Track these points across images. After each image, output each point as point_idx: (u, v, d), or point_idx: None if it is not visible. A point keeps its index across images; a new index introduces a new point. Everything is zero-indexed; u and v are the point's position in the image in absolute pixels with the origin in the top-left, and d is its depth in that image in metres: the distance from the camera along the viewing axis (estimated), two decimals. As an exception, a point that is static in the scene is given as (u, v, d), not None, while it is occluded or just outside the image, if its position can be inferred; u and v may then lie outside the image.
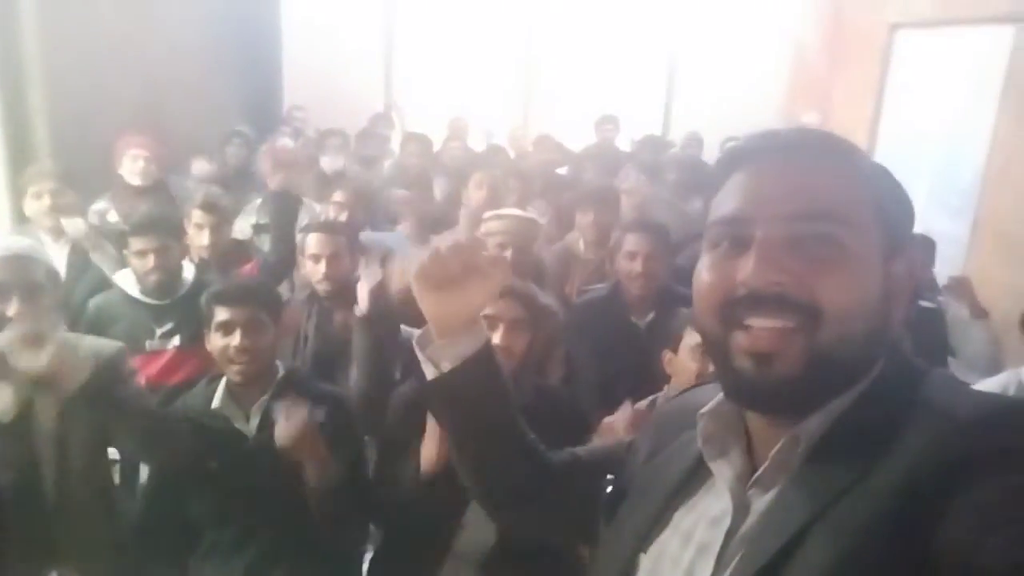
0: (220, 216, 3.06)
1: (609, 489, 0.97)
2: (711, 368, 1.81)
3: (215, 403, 1.98)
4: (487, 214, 2.81)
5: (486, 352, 0.97)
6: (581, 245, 3.21)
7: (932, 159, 5.28)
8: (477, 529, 2.01)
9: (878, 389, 0.74)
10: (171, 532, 1.99)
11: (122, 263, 2.79)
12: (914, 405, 0.71)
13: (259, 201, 4.01)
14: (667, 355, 2.01)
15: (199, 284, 2.59)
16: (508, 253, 2.65)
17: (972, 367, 2.95)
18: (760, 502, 0.76)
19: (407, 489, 1.94)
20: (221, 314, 1.94)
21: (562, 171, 4.93)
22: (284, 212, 3.04)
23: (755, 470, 0.79)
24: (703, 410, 0.84)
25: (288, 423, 1.85)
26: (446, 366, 0.95)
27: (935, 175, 5.10)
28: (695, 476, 0.85)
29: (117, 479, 2.22)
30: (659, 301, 2.68)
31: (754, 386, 0.74)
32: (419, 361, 0.99)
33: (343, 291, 2.68)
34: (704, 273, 0.78)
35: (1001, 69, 4.85)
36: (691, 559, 0.80)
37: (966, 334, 3.06)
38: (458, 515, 1.96)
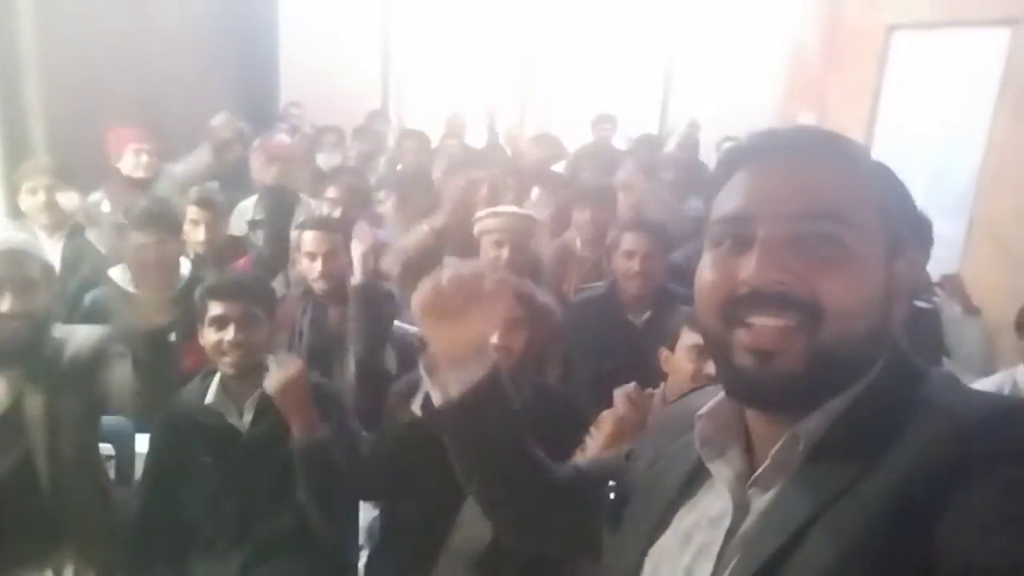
0: (216, 212, 3.05)
1: (612, 496, 0.97)
2: (706, 368, 1.83)
3: (209, 398, 1.98)
4: (483, 211, 2.80)
5: (494, 377, 0.96)
6: (578, 243, 3.21)
7: (928, 160, 5.28)
8: (472, 527, 2.01)
9: (878, 388, 0.74)
10: (167, 528, 1.99)
11: (117, 250, 2.80)
12: (914, 404, 0.71)
13: (255, 197, 4.00)
14: (664, 353, 2.01)
15: (195, 280, 2.58)
16: (505, 251, 2.65)
17: (966, 367, 2.96)
18: (760, 501, 0.76)
19: (395, 440, 1.95)
20: (215, 308, 1.93)
21: (558, 167, 4.93)
22: (279, 207, 3.03)
23: (754, 470, 0.79)
24: (701, 411, 0.85)
25: (280, 371, 1.84)
26: (454, 392, 0.95)
27: (931, 176, 5.10)
28: (696, 478, 0.85)
29: (112, 475, 2.22)
30: (656, 300, 2.68)
31: (755, 383, 0.74)
32: (414, 355, 0.99)
33: (339, 288, 2.68)
34: (706, 271, 0.78)
35: (997, 71, 4.86)
36: (691, 559, 0.80)
37: (960, 334, 3.07)
38: (454, 510, 1.96)
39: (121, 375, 1.87)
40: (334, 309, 2.68)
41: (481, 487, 1.05)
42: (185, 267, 2.73)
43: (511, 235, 2.67)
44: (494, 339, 1.98)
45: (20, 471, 1.81)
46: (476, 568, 2.01)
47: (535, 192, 3.68)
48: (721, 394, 0.86)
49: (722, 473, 0.81)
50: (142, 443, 2.13)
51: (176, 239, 2.70)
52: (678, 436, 0.89)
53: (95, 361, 1.90)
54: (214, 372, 2.01)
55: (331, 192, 3.43)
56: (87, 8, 4.02)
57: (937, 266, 3.16)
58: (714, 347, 0.79)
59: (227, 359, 1.93)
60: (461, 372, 0.95)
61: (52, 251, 2.84)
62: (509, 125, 5.71)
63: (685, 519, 0.84)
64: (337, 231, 2.72)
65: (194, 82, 4.91)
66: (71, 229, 3.07)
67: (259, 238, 3.35)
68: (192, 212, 2.97)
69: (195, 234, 2.97)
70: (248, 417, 1.97)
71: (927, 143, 5.34)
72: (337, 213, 3.32)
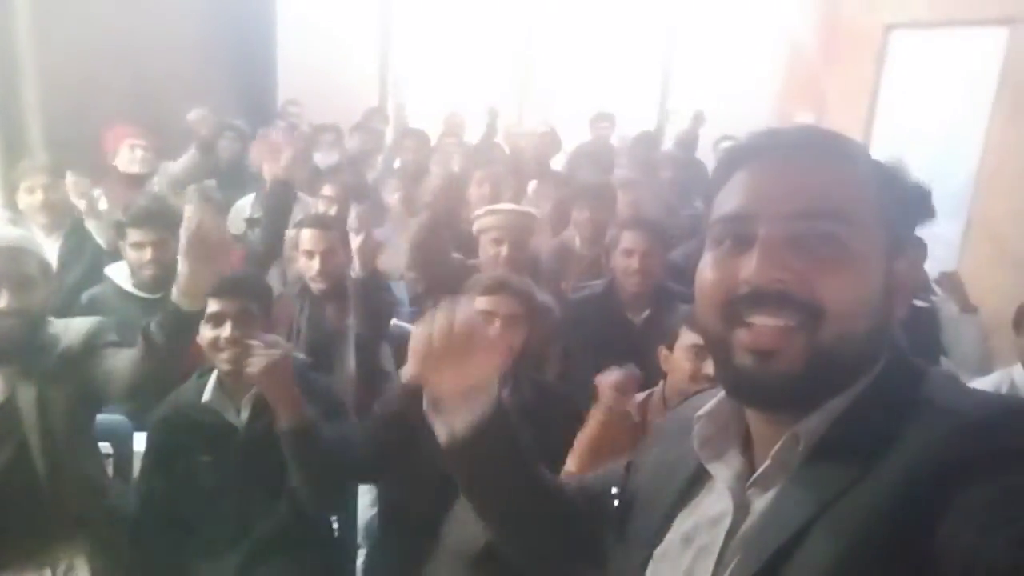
0: (213, 210, 3.03)
1: (616, 505, 0.97)
2: (705, 368, 1.84)
3: (206, 396, 1.97)
4: (482, 209, 2.80)
5: (499, 412, 0.94)
6: (577, 241, 3.21)
7: (925, 160, 5.28)
8: (469, 525, 2.01)
9: (878, 388, 0.74)
10: (165, 527, 1.98)
11: (116, 249, 2.78)
12: (915, 404, 0.70)
13: (253, 195, 4.00)
14: (663, 352, 2.01)
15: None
16: (505, 248, 2.65)
17: (963, 366, 2.96)
18: (760, 502, 0.77)
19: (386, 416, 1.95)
20: (212, 306, 1.92)
21: (557, 159, 4.94)
22: (281, 203, 3.01)
23: (754, 470, 0.79)
24: (699, 412, 0.85)
25: (264, 353, 1.78)
26: (460, 430, 0.93)
27: (928, 176, 5.11)
28: (696, 480, 0.86)
29: (110, 473, 2.21)
30: (654, 298, 2.69)
31: (755, 383, 0.74)
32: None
33: (336, 286, 2.68)
34: (707, 271, 0.78)
35: (995, 70, 4.87)
36: (691, 560, 0.80)
37: (957, 333, 3.07)
38: (449, 500, 1.96)
39: (116, 360, 1.86)
40: (332, 307, 2.68)
41: (493, 518, 1.04)
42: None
43: (510, 232, 2.67)
44: (493, 336, 1.98)
45: (16, 466, 1.81)
46: (474, 566, 2.02)
47: (532, 185, 3.67)
48: (720, 394, 0.86)
49: (722, 474, 0.81)
50: (140, 441, 2.12)
51: (175, 237, 2.68)
52: (680, 441, 0.89)
53: (87, 350, 1.90)
54: (211, 370, 2.01)
55: (328, 190, 3.42)
56: (84, 6, 4.01)
57: (935, 266, 3.16)
58: (714, 347, 0.79)
59: (223, 356, 1.92)
60: (465, 410, 0.92)
61: (50, 250, 2.83)
62: (507, 123, 5.69)
63: (686, 521, 0.84)
64: (335, 229, 2.72)
65: (192, 80, 4.90)
66: (71, 226, 3.06)
67: (257, 236, 3.34)
68: (190, 211, 2.95)
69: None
70: (245, 414, 1.97)
71: (925, 142, 5.34)
72: (334, 211, 3.32)
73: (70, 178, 2.97)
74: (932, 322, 3.11)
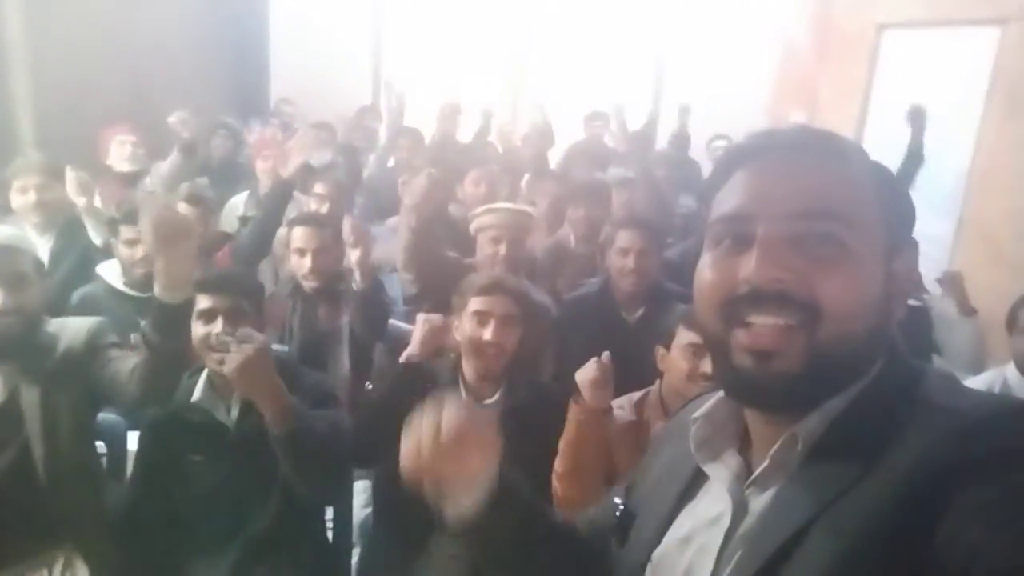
0: (206, 208, 3.02)
1: (619, 513, 0.97)
2: (702, 367, 1.84)
3: (196, 395, 1.95)
4: (480, 208, 2.79)
5: (506, 488, 0.92)
6: (572, 240, 3.20)
7: (918, 159, 5.31)
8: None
9: (877, 388, 0.74)
10: (157, 525, 1.97)
11: (109, 243, 2.77)
12: (914, 404, 0.70)
13: (246, 193, 3.99)
14: (660, 351, 2.01)
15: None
16: (503, 247, 2.65)
17: (957, 365, 2.97)
18: (758, 502, 0.77)
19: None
20: (202, 302, 1.91)
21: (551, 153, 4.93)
22: (282, 203, 2.99)
23: (751, 470, 0.79)
24: (696, 413, 0.85)
25: (239, 350, 1.69)
26: (469, 511, 0.90)
27: (921, 175, 5.13)
28: (695, 481, 0.86)
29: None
30: (649, 297, 2.69)
31: (754, 383, 0.74)
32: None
33: (328, 284, 2.67)
34: (706, 271, 0.78)
35: (987, 70, 4.89)
36: (690, 561, 0.81)
37: (952, 332, 3.08)
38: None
39: (120, 364, 1.85)
40: (325, 306, 2.67)
41: (514, 572, 1.01)
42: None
43: (508, 231, 2.67)
44: (487, 336, 1.98)
45: (17, 466, 1.80)
46: (469, 565, 2.02)
47: (526, 179, 3.65)
48: (717, 396, 0.86)
49: (719, 475, 0.81)
50: (134, 441, 2.11)
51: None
52: (679, 444, 0.89)
53: (89, 351, 1.89)
54: (201, 370, 1.99)
55: (319, 188, 3.41)
56: (77, 4, 3.99)
57: (926, 264, 3.17)
58: (713, 347, 0.79)
59: (215, 354, 1.89)
60: (471, 492, 0.88)
61: (42, 249, 2.82)
62: (501, 122, 5.68)
63: (684, 522, 0.84)
64: (327, 227, 2.71)
65: (184, 78, 4.89)
66: (63, 225, 3.04)
67: (247, 233, 3.32)
68: (183, 209, 2.94)
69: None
70: (235, 413, 1.95)
71: (917, 141, 5.35)
72: (326, 208, 3.31)
73: (70, 174, 2.95)
74: (924, 321, 3.12)
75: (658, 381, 2.04)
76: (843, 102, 6.09)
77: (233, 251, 3.03)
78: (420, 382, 2.05)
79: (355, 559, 2.25)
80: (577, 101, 6.00)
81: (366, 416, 1.98)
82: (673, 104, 6.39)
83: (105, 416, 2.17)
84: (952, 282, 3.07)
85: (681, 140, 5.68)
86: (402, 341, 2.24)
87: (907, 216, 0.79)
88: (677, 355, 1.93)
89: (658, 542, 0.86)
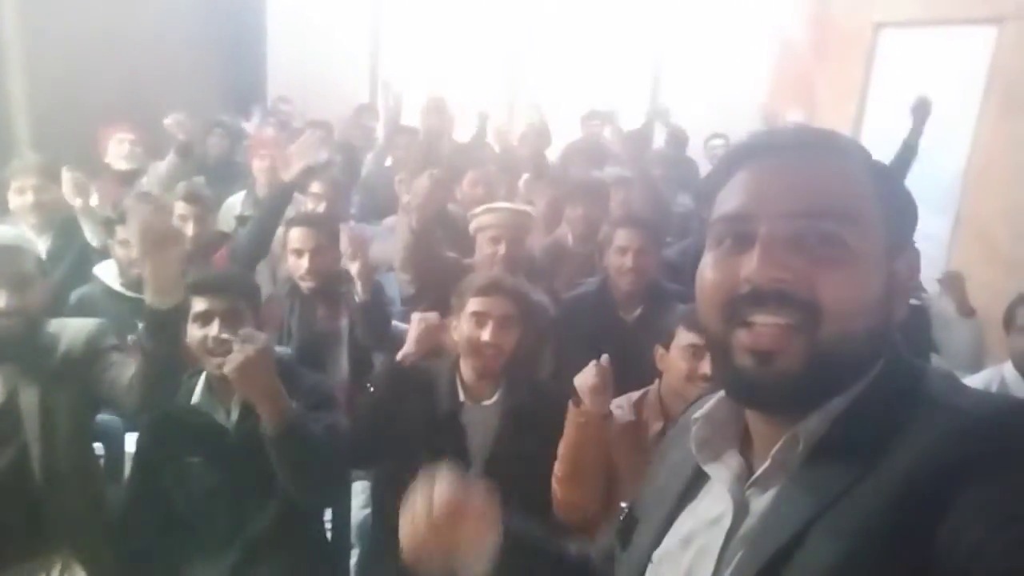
0: (204, 207, 3.02)
1: (622, 517, 0.97)
2: (701, 368, 1.84)
3: (195, 398, 1.94)
4: (479, 208, 2.79)
5: (513, 540, 0.91)
6: (570, 239, 3.20)
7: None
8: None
9: (878, 388, 0.74)
10: (155, 527, 1.97)
11: (106, 247, 2.76)
12: (915, 404, 0.70)
13: (243, 193, 3.98)
14: (659, 351, 2.01)
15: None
16: (503, 246, 2.64)
17: (955, 364, 2.98)
18: (759, 502, 0.77)
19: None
20: (199, 304, 1.89)
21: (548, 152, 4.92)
22: (284, 204, 2.98)
23: (752, 470, 0.79)
24: (696, 414, 0.85)
25: (241, 349, 1.68)
26: (482, 573, 0.88)
27: (917, 173, 5.13)
28: (695, 481, 0.86)
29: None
30: (647, 296, 2.68)
31: (755, 384, 0.74)
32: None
33: (326, 285, 2.67)
34: (707, 270, 0.78)
35: (983, 69, 4.90)
36: (691, 561, 0.80)
37: (950, 331, 3.08)
38: None
39: (120, 370, 1.84)
40: (323, 307, 2.67)
41: None
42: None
43: (508, 231, 2.66)
44: (486, 336, 1.98)
45: (14, 468, 1.80)
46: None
47: (524, 179, 3.65)
48: (718, 396, 0.86)
49: (720, 475, 0.81)
50: (132, 442, 2.11)
51: None
52: (681, 445, 0.89)
53: (90, 354, 1.89)
54: (200, 372, 1.98)
55: (315, 187, 3.40)
56: (72, 2, 3.97)
57: (923, 263, 3.17)
58: (715, 347, 0.79)
59: (213, 358, 1.88)
60: (480, 561, 0.87)
61: (40, 251, 2.81)
62: (498, 122, 5.67)
63: (685, 523, 0.84)
64: (324, 227, 2.70)
65: (181, 75, 4.88)
66: (60, 225, 3.03)
67: (245, 233, 3.31)
68: (180, 208, 2.94)
69: (183, 229, 2.93)
70: (235, 415, 1.94)
71: (914, 140, 5.36)
72: (323, 208, 3.30)
73: (66, 175, 2.94)
74: (923, 320, 3.12)
75: (657, 381, 2.04)
76: (840, 101, 6.10)
77: (231, 252, 3.02)
78: (417, 382, 2.04)
79: (354, 560, 2.25)
80: (574, 100, 5.99)
81: (363, 417, 1.97)
82: (668, 103, 6.41)
83: (103, 417, 2.17)
84: (952, 282, 3.07)
85: (678, 139, 5.67)
86: (400, 341, 2.24)
87: (909, 215, 0.78)
88: (676, 355, 1.93)
89: (659, 542, 0.85)
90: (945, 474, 0.63)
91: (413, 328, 2.03)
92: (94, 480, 2.00)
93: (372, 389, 1.98)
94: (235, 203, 3.95)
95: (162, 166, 3.87)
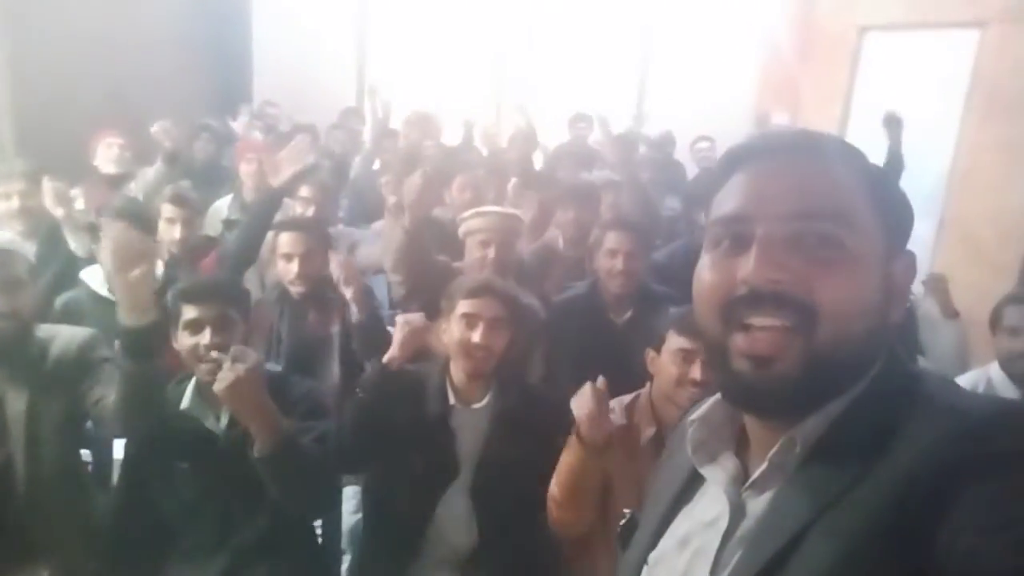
0: (191, 210, 3.00)
1: (625, 521, 0.97)
2: (691, 373, 1.82)
3: (184, 404, 1.93)
4: (468, 212, 2.78)
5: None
6: (560, 242, 3.20)
7: (899, 160, 5.36)
8: (455, 532, 2.00)
9: (875, 390, 0.74)
10: (144, 533, 1.95)
11: (91, 255, 2.73)
12: (913, 406, 0.70)
13: (230, 197, 3.95)
14: (650, 354, 2.00)
15: (168, 282, 2.53)
16: (492, 250, 2.64)
17: (940, 365, 2.99)
18: (755, 504, 0.76)
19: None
20: (189, 312, 1.88)
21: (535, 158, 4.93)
22: (273, 211, 2.96)
23: (748, 472, 0.79)
24: (692, 416, 0.85)
25: (232, 368, 1.67)
26: None
27: (901, 176, 5.20)
28: (691, 483, 0.86)
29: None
30: (637, 299, 2.69)
31: (752, 388, 0.74)
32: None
33: (316, 290, 2.65)
34: (705, 272, 0.78)
35: (966, 72, 4.95)
36: (687, 563, 0.80)
37: (935, 333, 3.10)
38: (434, 497, 1.96)
39: (107, 391, 1.83)
40: (314, 312, 2.65)
41: None
42: (158, 268, 2.68)
43: (498, 234, 2.66)
44: (476, 338, 1.97)
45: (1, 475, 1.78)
46: (460, 570, 2.01)
47: (512, 183, 3.64)
48: (713, 398, 0.85)
49: (716, 477, 0.81)
50: (120, 448, 2.09)
51: (151, 238, 2.65)
52: (679, 449, 0.89)
53: (82, 364, 1.88)
54: (189, 377, 1.97)
55: (304, 191, 3.38)
56: (57, 5, 3.94)
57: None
58: (712, 351, 0.78)
59: (204, 365, 1.87)
60: None
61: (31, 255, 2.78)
62: (485, 124, 5.67)
63: (681, 525, 0.84)
64: (313, 231, 2.69)
65: (167, 78, 4.85)
66: (46, 231, 3.00)
67: (234, 239, 3.29)
68: (167, 210, 2.91)
69: (171, 232, 2.91)
70: (224, 421, 1.93)
71: (898, 143, 5.40)
72: (311, 212, 3.28)
73: (47, 185, 2.91)
74: (911, 321, 3.14)
75: (648, 384, 2.04)
76: (825, 103, 6.14)
77: (220, 258, 3.00)
78: (406, 386, 2.04)
79: (345, 565, 2.24)
80: (561, 103, 6.00)
81: (352, 422, 1.97)
82: (655, 106, 6.44)
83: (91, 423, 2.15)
84: (936, 284, 3.09)
85: (664, 143, 5.69)
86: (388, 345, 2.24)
87: (905, 218, 0.79)
88: (667, 360, 1.92)
89: (655, 544, 0.85)
90: (944, 475, 0.63)
91: (398, 331, 2.02)
92: (80, 489, 1.98)
93: (360, 394, 1.97)
94: (222, 207, 3.92)
95: (150, 172, 3.85)
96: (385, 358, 2.00)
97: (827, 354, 0.71)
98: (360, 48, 6.79)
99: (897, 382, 0.74)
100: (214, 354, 1.77)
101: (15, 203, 2.91)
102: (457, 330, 2.01)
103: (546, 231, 3.22)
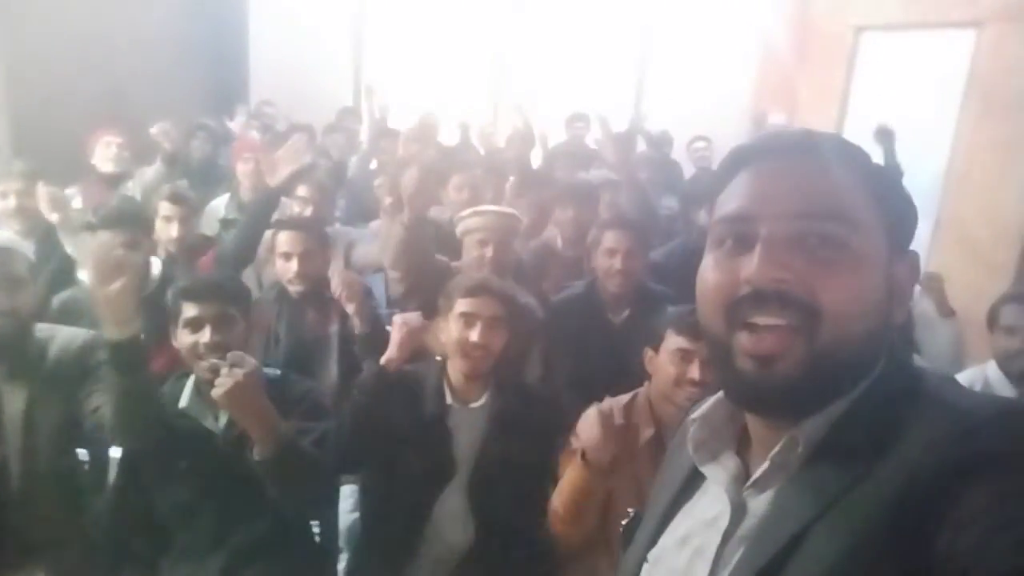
0: (189, 208, 3.00)
1: (626, 521, 0.97)
2: (689, 372, 1.82)
3: (183, 402, 1.92)
4: (466, 211, 2.78)
5: None
6: (559, 241, 3.20)
7: (896, 160, 5.37)
8: (452, 531, 2.00)
9: (878, 390, 0.74)
10: (139, 532, 1.95)
11: (86, 251, 2.72)
12: (915, 406, 0.70)
13: (227, 196, 3.95)
14: (649, 354, 2.00)
15: (166, 280, 2.53)
16: (490, 249, 2.64)
17: (936, 364, 3.00)
18: (756, 503, 0.76)
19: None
20: (189, 310, 1.88)
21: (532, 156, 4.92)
22: (271, 210, 2.96)
23: (749, 471, 0.79)
24: (693, 415, 0.85)
25: (230, 374, 1.67)
26: None
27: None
28: (692, 482, 0.86)
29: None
30: (635, 298, 2.69)
31: (755, 388, 0.74)
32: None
33: (315, 289, 2.65)
34: (708, 272, 0.78)
35: (963, 72, 4.96)
36: (687, 561, 0.80)
37: (931, 332, 3.11)
38: (432, 496, 1.96)
39: (104, 396, 1.83)
40: (312, 311, 2.65)
41: None
42: (155, 267, 2.68)
43: (495, 234, 2.66)
44: (474, 337, 1.97)
45: None
46: (457, 569, 2.01)
47: (510, 182, 3.64)
48: (715, 397, 0.85)
49: (717, 476, 0.81)
50: (116, 448, 2.08)
51: (147, 238, 2.65)
52: (681, 448, 0.89)
53: (81, 366, 1.88)
54: (187, 375, 1.96)
55: (301, 191, 3.38)
56: (55, 5, 3.93)
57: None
58: (715, 350, 0.78)
59: (204, 363, 1.86)
60: None
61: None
62: (482, 124, 5.66)
63: (682, 523, 0.84)
64: (312, 230, 2.69)
65: (163, 78, 4.84)
66: (43, 231, 3.00)
67: (231, 238, 3.29)
68: (165, 208, 2.91)
69: (168, 231, 2.91)
70: (223, 420, 1.92)
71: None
72: (309, 211, 3.28)
73: (42, 190, 2.91)
74: (906, 321, 3.14)
75: (646, 384, 2.04)
76: (822, 103, 6.15)
77: (217, 257, 3.00)
78: (404, 386, 2.04)
79: (342, 564, 2.24)
80: (559, 103, 6.00)
81: (349, 424, 1.97)
82: (652, 105, 6.44)
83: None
84: (932, 284, 3.10)
85: (661, 142, 5.69)
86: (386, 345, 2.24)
87: (909, 219, 0.79)
88: (665, 359, 1.92)
89: (655, 542, 0.86)
90: (945, 475, 0.63)
91: (395, 332, 2.02)
92: (77, 489, 1.98)
93: (358, 393, 1.97)
94: (219, 206, 3.92)
95: (149, 172, 3.85)
96: (383, 360, 2.00)
97: (830, 354, 0.71)
98: (357, 48, 6.78)
99: (899, 382, 0.74)
100: (212, 361, 1.77)
101: (12, 202, 2.91)
102: (455, 329, 2.01)
103: (544, 230, 3.22)
